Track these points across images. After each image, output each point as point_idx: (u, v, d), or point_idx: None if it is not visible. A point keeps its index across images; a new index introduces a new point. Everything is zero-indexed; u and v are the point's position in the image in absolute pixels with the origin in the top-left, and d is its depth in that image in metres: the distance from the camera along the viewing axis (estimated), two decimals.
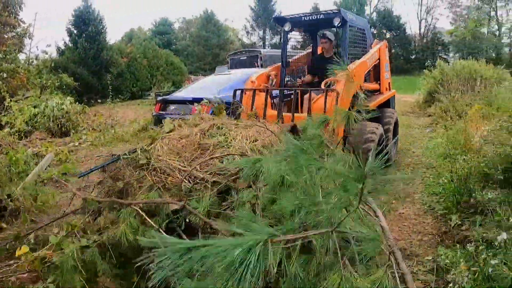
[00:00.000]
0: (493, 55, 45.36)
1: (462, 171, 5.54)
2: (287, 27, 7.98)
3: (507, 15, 50.57)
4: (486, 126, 6.28)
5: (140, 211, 3.27)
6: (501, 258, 3.18)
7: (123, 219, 3.29)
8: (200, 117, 4.97)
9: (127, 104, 22.80)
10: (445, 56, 51.75)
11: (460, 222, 4.67)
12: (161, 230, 3.09)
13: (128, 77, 27.60)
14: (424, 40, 54.36)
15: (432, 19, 56.26)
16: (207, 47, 51.68)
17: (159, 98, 10.83)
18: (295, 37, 10.24)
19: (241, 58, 21.27)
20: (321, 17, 7.67)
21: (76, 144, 10.53)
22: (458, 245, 4.00)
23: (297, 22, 8.03)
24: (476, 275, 3.21)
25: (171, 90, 23.05)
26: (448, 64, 16.55)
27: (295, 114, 6.25)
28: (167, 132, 4.45)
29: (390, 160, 7.71)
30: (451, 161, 6.11)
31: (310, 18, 7.79)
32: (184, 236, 3.06)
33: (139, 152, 4.07)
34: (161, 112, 9.66)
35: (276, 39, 56.00)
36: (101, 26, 28.10)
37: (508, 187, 4.92)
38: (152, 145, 4.16)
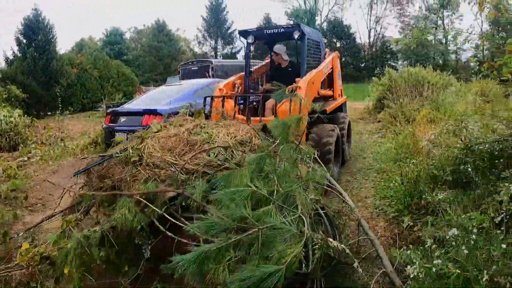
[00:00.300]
0: (440, 61, 46.93)
1: (412, 174, 5.71)
2: (250, 39, 8.43)
3: (453, 23, 52.91)
4: (434, 130, 6.42)
5: (141, 199, 3.66)
6: (452, 255, 3.27)
7: (120, 207, 3.60)
8: (183, 119, 5.56)
9: (77, 116, 22.17)
10: (393, 64, 53.24)
11: (412, 224, 4.78)
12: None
13: (78, 89, 26.64)
14: (374, 49, 55.76)
15: (381, 28, 57.83)
16: (159, 57, 51.33)
17: (109, 110, 10.59)
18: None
19: (192, 69, 21.14)
20: (281, 30, 8.28)
21: (25, 158, 10.12)
22: (411, 246, 4.06)
23: (259, 35, 8.60)
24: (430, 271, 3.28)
25: (122, 102, 22.64)
26: (397, 72, 16.89)
27: (262, 118, 6.93)
28: (155, 132, 4.88)
29: (345, 157, 8.76)
30: (401, 165, 6.27)
31: (272, 32, 8.38)
32: (183, 219, 3.49)
33: (130, 150, 4.41)
34: (111, 124, 9.48)
35: (227, 49, 56.31)
36: (51, 36, 27.03)
37: (456, 188, 5.08)
38: (142, 144, 4.51)
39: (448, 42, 52.40)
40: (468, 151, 5.28)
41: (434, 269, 3.16)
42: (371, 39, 57.52)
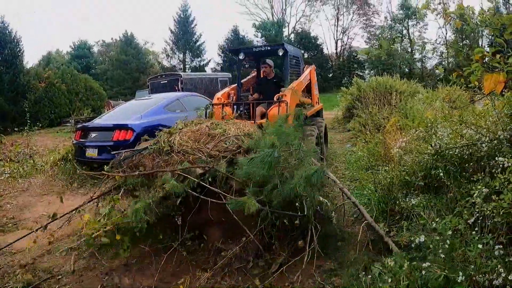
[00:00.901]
0: (406, 70, 47.82)
1: (385, 181, 5.77)
2: (241, 56, 9.82)
3: (420, 33, 54.12)
4: (404, 137, 6.53)
5: (182, 173, 4.77)
6: (431, 259, 3.35)
7: (164, 181, 4.62)
8: (200, 119, 6.96)
9: (45, 132, 21.78)
10: (361, 73, 54.08)
11: (387, 229, 4.80)
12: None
13: (46, 104, 26.17)
14: (341, 59, 56.42)
15: (347, 39, 58.73)
16: (127, 71, 50.96)
17: (79, 125, 10.43)
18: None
19: (161, 82, 21.12)
20: (268, 48, 10.09)
21: None
22: (386, 253, 4.14)
23: (248, 53, 10.11)
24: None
25: (91, 117, 22.42)
26: (364, 81, 17.22)
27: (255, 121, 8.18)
28: (180, 129, 6.04)
29: (323, 155, 9.74)
30: (373, 173, 6.33)
31: (259, 50, 10.14)
32: (212, 188, 4.66)
33: (162, 142, 5.56)
34: (81, 140, 9.39)
35: (196, 62, 56.07)
36: (18, 49, 26.58)
37: (429, 192, 5.20)
38: (171, 137, 5.66)
39: (413, 51, 53.49)
40: (438, 157, 5.39)
41: (416, 276, 3.24)
42: (338, 50, 58.40)
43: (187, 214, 4.97)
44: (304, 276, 4.17)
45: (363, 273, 3.87)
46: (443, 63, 51.65)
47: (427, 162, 5.58)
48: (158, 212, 4.58)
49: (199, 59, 56.52)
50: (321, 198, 4.89)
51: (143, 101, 11.18)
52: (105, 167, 5.60)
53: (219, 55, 57.61)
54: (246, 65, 19.18)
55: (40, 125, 23.12)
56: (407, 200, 5.03)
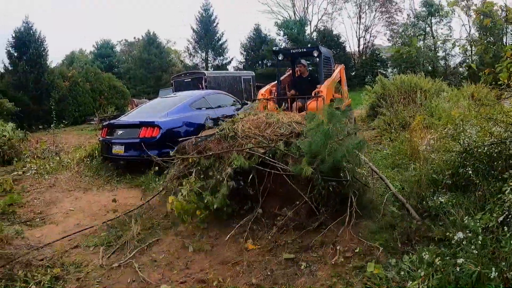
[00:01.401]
0: (430, 68, 47.10)
1: (413, 179, 5.73)
2: (280, 57, 11.55)
3: (442, 29, 52.86)
4: (432, 135, 6.47)
5: (249, 151, 5.80)
6: (463, 255, 3.35)
7: (234, 159, 5.62)
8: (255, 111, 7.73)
9: (70, 130, 21.98)
10: (384, 72, 53.38)
11: (416, 227, 4.76)
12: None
13: (70, 102, 26.70)
14: (363, 57, 55.86)
15: (370, 36, 58.03)
16: (150, 69, 51.07)
17: (105, 122, 10.48)
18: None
19: (185, 80, 21.19)
20: (304, 50, 11.68)
21: (20, 172, 9.94)
22: (417, 247, 4.21)
23: (287, 53, 12.09)
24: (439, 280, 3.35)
25: (115, 115, 22.59)
26: (388, 79, 17.14)
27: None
28: (242, 118, 6.93)
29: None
30: (400, 171, 6.30)
31: (297, 51, 11.76)
32: (273, 161, 5.67)
33: (227, 129, 6.46)
34: (107, 137, 9.53)
35: (218, 61, 56.06)
36: (42, 49, 27.09)
37: (456, 191, 5.16)
38: (235, 125, 6.54)
39: (437, 49, 52.70)
40: (467, 155, 5.33)
41: (449, 270, 3.24)
42: (361, 48, 57.88)
43: (251, 188, 5.84)
44: (345, 234, 4.89)
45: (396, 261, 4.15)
46: (467, 60, 50.94)
47: (455, 160, 5.53)
48: (228, 187, 5.51)
49: (221, 57, 56.44)
50: (358, 169, 5.87)
51: (169, 99, 11.23)
52: (171, 152, 6.92)
53: (241, 53, 57.48)
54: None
55: (65, 123, 23.33)
56: (435, 198, 5.00)
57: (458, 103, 12.16)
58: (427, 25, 52.88)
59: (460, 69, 50.59)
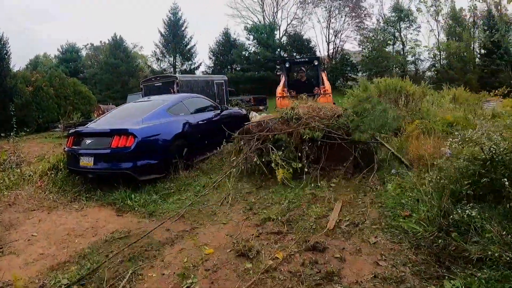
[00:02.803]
0: (400, 72, 47.21)
1: (427, 189, 5.24)
2: (287, 64, 15.48)
3: (411, 34, 53.93)
4: (451, 142, 5.71)
5: (319, 126, 7.74)
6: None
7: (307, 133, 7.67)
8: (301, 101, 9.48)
9: (33, 138, 20.67)
10: (354, 76, 53.75)
11: (445, 243, 4.10)
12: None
13: (33, 108, 25.28)
14: (333, 62, 55.75)
15: (339, 41, 58.47)
16: (116, 74, 50.09)
17: (72, 130, 9.16)
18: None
19: (155, 85, 20.14)
20: (306, 59, 16.88)
21: None
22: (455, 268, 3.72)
23: (292, 62, 16.25)
24: None
25: (82, 121, 21.48)
26: (357, 83, 18.61)
27: None
28: (297, 105, 8.60)
29: None
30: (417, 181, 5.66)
31: (300, 60, 17.32)
32: (334, 132, 7.74)
33: (289, 113, 8.20)
34: (74, 147, 8.24)
35: (186, 66, 55.31)
36: (4, 51, 25.62)
37: (478, 201, 4.62)
38: (295, 110, 8.25)
39: (406, 53, 53.09)
40: (493, 163, 4.62)
41: None
42: (330, 52, 58.03)
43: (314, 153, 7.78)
44: (373, 179, 7.15)
45: None
46: (436, 65, 51.39)
47: (475, 169, 4.81)
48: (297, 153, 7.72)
49: (189, 62, 55.76)
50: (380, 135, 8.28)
51: (143, 103, 10.26)
52: (235, 134, 8.70)
53: (210, 58, 57.03)
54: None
55: (28, 130, 22.06)
56: (459, 211, 4.30)
57: (444, 106, 11.69)
58: (396, 30, 53.67)
59: (429, 73, 51.07)
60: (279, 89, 14.29)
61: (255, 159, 7.71)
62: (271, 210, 6.10)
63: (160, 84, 19.93)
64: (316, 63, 15.40)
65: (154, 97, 11.54)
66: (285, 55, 56.33)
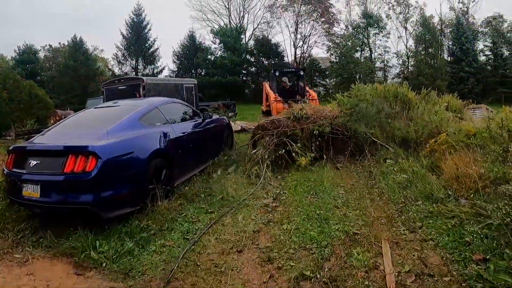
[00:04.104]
0: (368, 78, 47.03)
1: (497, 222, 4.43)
2: (276, 73, 17.05)
3: (380, 41, 54.50)
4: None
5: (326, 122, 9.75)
6: None
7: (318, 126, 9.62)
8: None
9: None
10: (323, 82, 53.33)
11: None
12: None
13: None
14: (301, 67, 54.57)
15: (307, 47, 57.60)
16: (76, 78, 47.61)
17: (12, 147, 6.51)
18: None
19: (119, 88, 17.94)
20: (293, 70, 21.50)
21: None
22: None
23: (281, 72, 17.68)
24: None
25: (35, 129, 19.31)
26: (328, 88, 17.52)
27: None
28: (304, 107, 10.40)
29: None
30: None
31: (288, 70, 20.99)
32: (337, 128, 9.79)
33: (298, 113, 9.92)
34: (15, 170, 5.87)
35: (149, 69, 53.59)
36: None
37: None
38: (304, 111, 10.01)
39: (374, 60, 52.86)
40: None
41: None
42: (298, 58, 57.15)
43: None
44: (367, 162, 9.12)
45: None
46: (405, 72, 51.24)
47: None
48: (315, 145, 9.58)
49: (152, 66, 53.66)
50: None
51: (107, 110, 8.02)
52: (259, 118, 13.41)
53: (174, 61, 55.10)
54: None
55: None
56: None
57: (443, 115, 10.68)
58: (365, 37, 54.04)
59: (398, 79, 50.80)
60: (272, 94, 16.26)
61: (281, 151, 9.05)
62: (300, 260, 4.48)
63: (124, 87, 17.72)
64: (302, 73, 17.60)
65: (122, 101, 8.90)
66: (252, 59, 55.70)
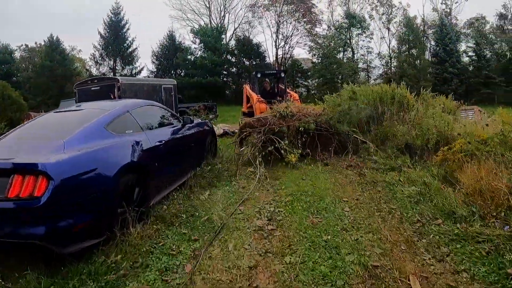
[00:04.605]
0: (350, 79, 46.54)
1: None
2: (258, 75, 17.07)
3: (363, 41, 54.07)
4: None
5: (313, 120, 10.16)
6: None
7: (303, 123, 9.93)
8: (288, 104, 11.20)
9: None
10: (305, 83, 53.70)
11: None
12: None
13: None
14: (282, 68, 53.80)
15: (289, 47, 56.55)
16: (52, 78, 45.87)
17: None
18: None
19: (92, 89, 16.77)
20: (275, 72, 21.35)
21: None
22: None
23: (263, 73, 17.87)
24: None
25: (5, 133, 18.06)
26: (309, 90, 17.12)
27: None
28: (289, 105, 10.72)
29: None
30: None
31: (270, 72, 20.12)
32: (322, 125, 10.25)
33: (283, 111, 10.10)
34: None
35: (127, 70, 52.00)
36: None
37: None
38: (289, 109, 10.22)
39: (357, 60, 53.57)
40: None
41: None
42: (279, 58, 56.32)
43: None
44: (348, 160, 9.45)
45: None
46: (388, 72, 51.17)
47: None
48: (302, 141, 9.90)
49: (130, 66, 52.17)
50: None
51: (68, 115, 6.64)
52: (240, 120, 13.95)
53: (153, 62, 53.61)
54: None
55: None
56: None
57: (441, 117, 9.78)
58: (348, 38, 53.47)
59: (380, 80, 50.45)
60: (254, 95, 16.05)
61: (270, 148, 9.34)
62: None
63: (98, 88, 16.58)
64: (283, 75, 17.78)
65: (87, 104, 7.64)
66: (233, 59, 54.60)
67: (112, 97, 15.57)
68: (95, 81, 17.55)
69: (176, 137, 7.32)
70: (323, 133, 10.02)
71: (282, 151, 9.35)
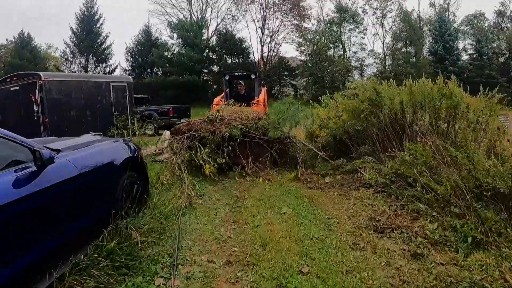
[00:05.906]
0: (343, 77, 45.64)
1: None
2: (226, 77, 17.43)
3: (356, 37, 51.79)
4: None
5: (239, 125, 9.12)
6: None
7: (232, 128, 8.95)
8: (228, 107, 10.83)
9: None
10: (293, 82, 51.05)
11: None
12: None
13: None
14: (268, 66, 51.10)
15: (275, 44, 53.20)
16: None
17: None
18: None
19: (11, 89, 12.60)
20: (245, 74, 19.36)
21: None
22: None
23: (232, 76, 18.16)
24: None
25: None
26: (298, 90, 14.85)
27: None
28: (222, 109, 10.28)
29: None
30: None
31: (240, 74, 19.57)
32: (252, 132, 9.15)
33: (215, 115, 9.37)
34: None
35: (100, 68, 49.07)
36: None
37: None
38: (219, 113, 9.56)
39: (349, 58, 50.96)
40: None
41: None
42: (265, 55, 53.00)
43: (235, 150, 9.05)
44: (284, 170, 9.28)
45: None
46: (383, 71, 48.72)
47: None
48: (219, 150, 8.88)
49: (104, 64, 48.89)
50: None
51: None
52: (166, 134, 10.96)
53: (127, 59, 49.99)
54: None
55: None
56: None
57: None
58: (340, 33, 50.84)
59: (374, 79, 47.04)
60: (217, 98, 16.05)
61: (191, 156, 8.66)
62: None
63: (18, 87, 12.62)
64: (253, 77, 17.12)
65: None
66: (215, 57, 51.06)
67: (33, 99, 11.58)
68: (15, 78, 13.30)
69: (23, 196, 3.28)
70: (253, 140, 9.18)
71: (201, 161, 8.57)
